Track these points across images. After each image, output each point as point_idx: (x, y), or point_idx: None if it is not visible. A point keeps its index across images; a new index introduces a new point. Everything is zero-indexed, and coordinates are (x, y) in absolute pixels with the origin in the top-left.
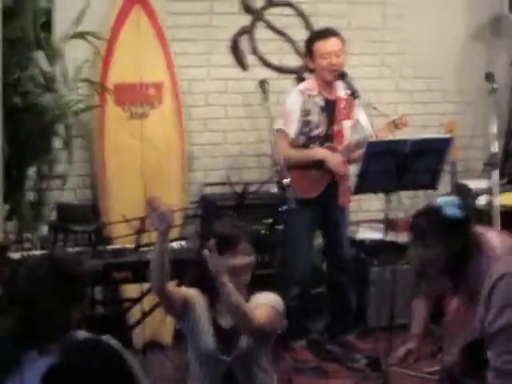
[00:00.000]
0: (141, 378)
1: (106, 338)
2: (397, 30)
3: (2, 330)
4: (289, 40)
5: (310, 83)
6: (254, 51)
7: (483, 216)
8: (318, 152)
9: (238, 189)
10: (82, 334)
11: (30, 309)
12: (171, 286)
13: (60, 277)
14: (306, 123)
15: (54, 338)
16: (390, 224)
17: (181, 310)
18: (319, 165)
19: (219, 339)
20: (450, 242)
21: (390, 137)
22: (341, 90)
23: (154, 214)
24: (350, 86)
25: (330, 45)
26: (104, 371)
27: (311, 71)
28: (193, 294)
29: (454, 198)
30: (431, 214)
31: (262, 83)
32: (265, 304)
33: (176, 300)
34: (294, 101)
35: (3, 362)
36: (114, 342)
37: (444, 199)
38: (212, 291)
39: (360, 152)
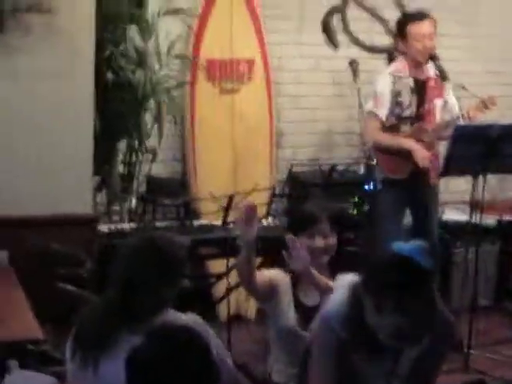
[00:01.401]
0: (222, 360)
1: (190, 316)
2: (487, 12)
3: (99, 308)
4: (380, 19)
5: (400, 64)
6: (345, 30)
7: None
8: (407, 143)
9: (326, 168)
10: (171, 313)
11: (128, 290)
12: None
13: (163, 261)
14: (397, 104)
15: (147, 319)
16: (475, 206)
17: (264, 294)
18: (406, 153)
19: (302, 317)
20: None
21: (480, 117)
22: (430, 70)
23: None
24: (439, 68)
25: (424, 27)
26: (185, 360)
27: (402, 53)
28: (276, 274)
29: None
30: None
31: (352, 63)
32: None
33: (260, 286)
34: (384, 83)
35: (99, 339)
36: (198, 320)
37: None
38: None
39: (450, 131)
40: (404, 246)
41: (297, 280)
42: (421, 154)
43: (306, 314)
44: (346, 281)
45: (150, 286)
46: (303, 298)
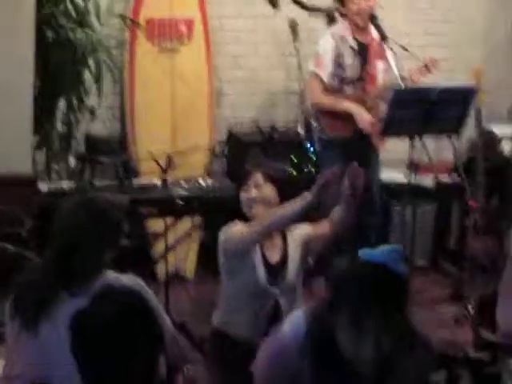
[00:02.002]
0: (162, 320)
1: (130, 277)
2: None
3: (37, 270)
4: None
5: (342, 26)
6: None
7: (508, 163)
8: (349, 106)
9: (266, 128)
10: (111, 274)
11: (65, 252)
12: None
13: (100, 222)
14: (339, 66)
15: (86, 280)
16: (413, 167)
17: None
18: (349, 116)
19: (267, 271)
20: None
21: (422, 79)
22: (373, 32)
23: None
24: (379, 29)
25: None
26: (129, 322)
27: (343, 15)
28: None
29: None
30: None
31: (291, 23)
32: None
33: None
34: (327, 44)
35: (38, 301)
36: (137, 281)
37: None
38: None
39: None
40: (375, 252)
41: None
42: (363, 118)
43: (270, 270)
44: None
45: (88, 248)
46: (268, 256)
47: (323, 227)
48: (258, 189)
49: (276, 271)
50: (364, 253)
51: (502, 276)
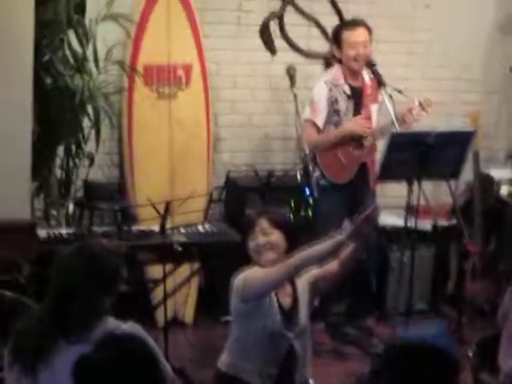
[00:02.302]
0: (163, 366)
1: (130, 324)
2: (425, 19)
3: (35, 317)
4: (318, 25)
5: (336, 72)
6: (283, 35)
7: (505, 206)
8: (343, 128)
9: (263, 173)
10: (111, 321)
11: (62, 299)
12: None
13: (96, 270)
14: (334, 112)
15: (85, 328)
16: (411, 211)
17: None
18: (348, 141)
19: (282, 315)
20: None
21: (418, 119)
22: (366, 77)
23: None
24: (376, 75)
25: (358, 35)
26: (134, 368)
27: (338, 60)
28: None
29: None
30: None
31: (289, 69)
32: None
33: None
34: (320, 91)
35: (38, 350)
36: (137, 328)
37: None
38: None
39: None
40: (424, 334)
41: None
42: (357, 125)
43: (284, 315)
44: None
45: (84, 296)
46: (281, 300)
47: (330, 266)
48: (266, 235)
49: (289, 315)
50: (413, 334)
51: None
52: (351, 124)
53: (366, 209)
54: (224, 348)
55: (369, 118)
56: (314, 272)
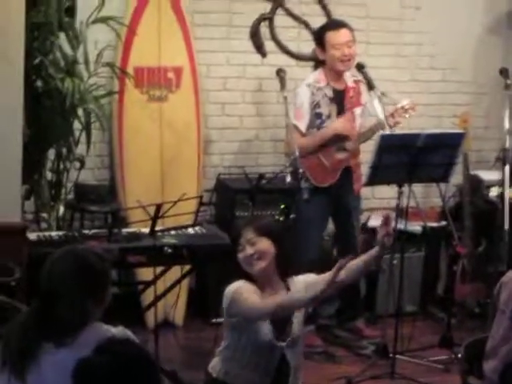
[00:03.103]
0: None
1: (119, 329)
2: (414, 21)
3: (22, 320)
4: (308, 27)
5: (318, 75)
6: (273, 38)
7: (494, 208)
8: (328, 129)
9: (253, 175)
10: (99, 325)
11: (51, 301)
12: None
13: (84, 274)
14: (316, 116)
15: (71, 332)
16: (401, 213)
17: None
18: (333, 142)
19: (272, 326)
20: None
21: (401, 122)
22: (349, 79)
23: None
24: (366, 77)
25: (341, 36)
26: (135, 374)
27: (322, 62)
28: (252, 288)
29: None
30: None
31: (279, 72)
32: None
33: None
34: (302, 95)
35: (23, 353)
36: (127, 333)
37: None
38: (248, 279)
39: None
40: None
41: (262, 291)
42: (341, 125)
43: (274, 324)
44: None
45: (70, 299)
46: None
47: (326, 276)
48: (253, 245)
49: (281, 326)
50: None
51: (492, 327)
52: (336, 124)
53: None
54: (215, 351)
55: (352, 123)
56: (313, 279)
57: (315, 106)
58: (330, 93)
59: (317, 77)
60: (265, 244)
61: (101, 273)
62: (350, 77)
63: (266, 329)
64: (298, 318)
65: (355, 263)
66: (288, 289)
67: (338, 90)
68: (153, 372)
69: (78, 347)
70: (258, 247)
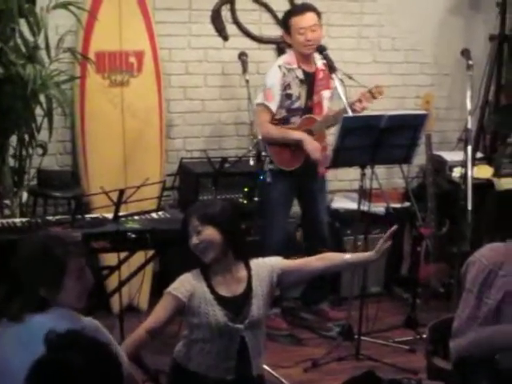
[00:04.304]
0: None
1: (88, 320)
2: (375, 2)
3: None
4: (269, 11)
5: (289, 57)
6: (235, 21)
7: (458, 188)
8: (297, 134)
9: (217, 159)
10: (59, 311)
11: (9, 283)
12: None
13: (42, 257)
14: (286, 97)
15: (25, 310)
16: (364, 194)
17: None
18: (297, 145)
19: (227, 309)
20: None
21: (367, 107)
22: (318, 62)
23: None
24: (328, 60)
25: (305, 20)
26: (90, 367)
27: (289, 46)
28: (186, 282)
29: None
30: None
31: (241, 55)
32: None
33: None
34: (274, 76)
35: None
36: (92, 321)
37: None
38: (202, 265)
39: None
40: None
41: (207, 275)
42: (311, 146)
43: (228, 305)
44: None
45: (34, 283)
46: (220, 291)
47: (308, 262)
48: (198, 233)
49: (237, 308)
50: None
51: (458, 305)
52: (308, 141)
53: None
54: (180, 335)
55: (320, 104)
56: (282, 264)
57: (286, 87)
58: (300, 74)
59: (288, 59)
60: (210, 232)
61: (59, 257)
62: (320, 59)
63: (218, 312)
64: (257, 300)
65: (339, 258)
66: (249, 269)
67: (308, 72)
68: (114, 370)
69: (32, 323)
70: (203, 236)
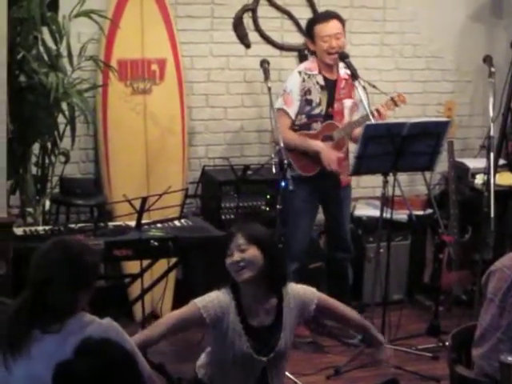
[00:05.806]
0: (140, 364)
1: (106, 320)
2: (397, 9)
3: (13, 309)
4: (291, 18)
5: (310, 63)
6: (257, 29)
7: (480, 196)
8: (316, 144)
9: (239, 166)
10: (86, 316)
11: (42, 290)
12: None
13: (74, 261)
14: (306, 102)
15: (59, 320)
16: (386, 202)
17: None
18: (314, 154)
19: (253, 339)
20: None
21: (389, 115)
22: (341, 71)
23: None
24: (350, 67)
25: (329, 28)
26: (114, 374)
27: (312, 53)
28: (223, 298)
29: None
30: None
31: (263, 63)
32: None
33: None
34: (293, 81)
35: (14, 339)
36: (113, 325)
37: None
38: (237, 292)
39: (360, 130)
40: None
41: (240, 303)
42: (328, 157)
43: (255, 336)
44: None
45: (62, 288)
46: (251, 321)
47: (335, 302)
48: (241, 252)
49: (264, 339)
50: None
51: (480, 316)
52: (326, 152)
53: None
54: (203, 344)
55: (341, 112)
56: (318, 299)
57: (306, 92)
58: (321, 80)
59: (309, 65)
60: (254, 252)
61: (89, 265)
62: (343, 68)
63: (244, 343)
64: (286, 333)
65: (366, 325)
66: (280, 299)
67: (329, 79)
68: (133, 373)
69: (64, 334)
70: (246, 255)
